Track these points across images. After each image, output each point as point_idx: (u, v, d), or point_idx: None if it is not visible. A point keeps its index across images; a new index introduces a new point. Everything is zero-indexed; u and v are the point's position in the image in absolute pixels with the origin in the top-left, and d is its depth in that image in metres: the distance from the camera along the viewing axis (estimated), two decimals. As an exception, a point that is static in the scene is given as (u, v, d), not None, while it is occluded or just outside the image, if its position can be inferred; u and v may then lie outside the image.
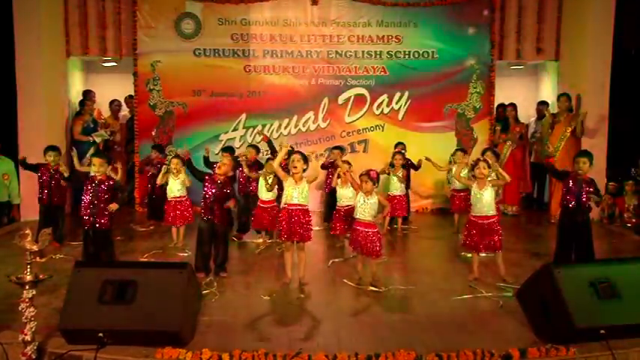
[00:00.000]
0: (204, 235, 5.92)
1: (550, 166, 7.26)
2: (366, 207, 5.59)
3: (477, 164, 5.89)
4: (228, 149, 8.03)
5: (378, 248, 5.57)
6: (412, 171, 8.68)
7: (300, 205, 5.59)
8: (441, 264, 6.81)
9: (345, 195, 6.95)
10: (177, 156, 7.29)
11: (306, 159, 5.66)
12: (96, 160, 5.87)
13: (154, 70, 9.52)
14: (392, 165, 8.05)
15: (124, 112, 10.40)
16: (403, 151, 8.42)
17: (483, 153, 7.83)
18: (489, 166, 5.86)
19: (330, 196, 8.39)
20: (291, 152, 6.06)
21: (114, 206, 5.79)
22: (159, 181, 7.35)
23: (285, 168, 6.22)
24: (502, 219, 5.92)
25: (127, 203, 9.79)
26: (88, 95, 9.72)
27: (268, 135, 9.14)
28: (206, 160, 7.47)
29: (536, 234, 8.40)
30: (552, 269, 4.35)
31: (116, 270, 4.45)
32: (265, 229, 7.38)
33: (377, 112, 9.73)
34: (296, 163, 5.57)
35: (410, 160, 8.58)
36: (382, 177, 5.92)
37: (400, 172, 8.02)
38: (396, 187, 8.05)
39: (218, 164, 6.08)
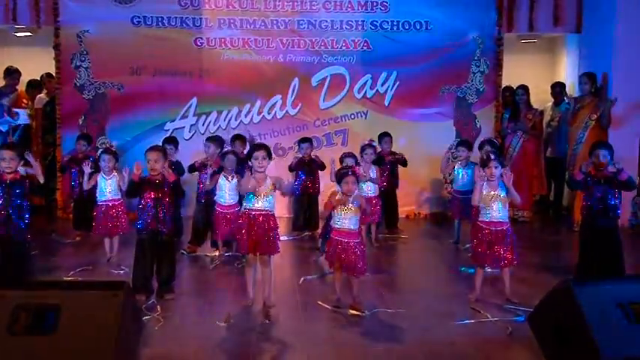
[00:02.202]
0: (146, 247, 5.88)
1: (570, 180, 6.82)
2: (347, 213, 5.58)
3: (486, 162, 5.89)
4: (172, 140, 8.01)
5: (361, 264, 5.57)
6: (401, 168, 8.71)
7: (263, 209, 5.58)
8: (436, 281, 6.84)
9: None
10: (107, 150, 7.22)
11: (270, 154, 5.72)
12: (5, 154, 5.74)
13: (82, 42, 9.38)
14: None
15: (41, 94, 10.24)
16: (374, 144, 8.12)
17: (480, 147, 7.88)
18: (501, 165, 5.86)
19: (302, 199, 8.41)
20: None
21: None
22: (85, 185, 7.30)
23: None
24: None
25: (47, 208, 9.73)
26: (12, 74, 9.57)
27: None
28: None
29: (552, 244, 8.51)
30: (572, 287, 4.37)
31: (32, 292, 4.35)
32: (229, 239, 7.34)
33: (358, 96, 9.75)
34: (261, 160, 5.57)
35: (397, 154, 8.60)
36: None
37: (374, 171, 7.81)
38: (368, 187, 7.70)
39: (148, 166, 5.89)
